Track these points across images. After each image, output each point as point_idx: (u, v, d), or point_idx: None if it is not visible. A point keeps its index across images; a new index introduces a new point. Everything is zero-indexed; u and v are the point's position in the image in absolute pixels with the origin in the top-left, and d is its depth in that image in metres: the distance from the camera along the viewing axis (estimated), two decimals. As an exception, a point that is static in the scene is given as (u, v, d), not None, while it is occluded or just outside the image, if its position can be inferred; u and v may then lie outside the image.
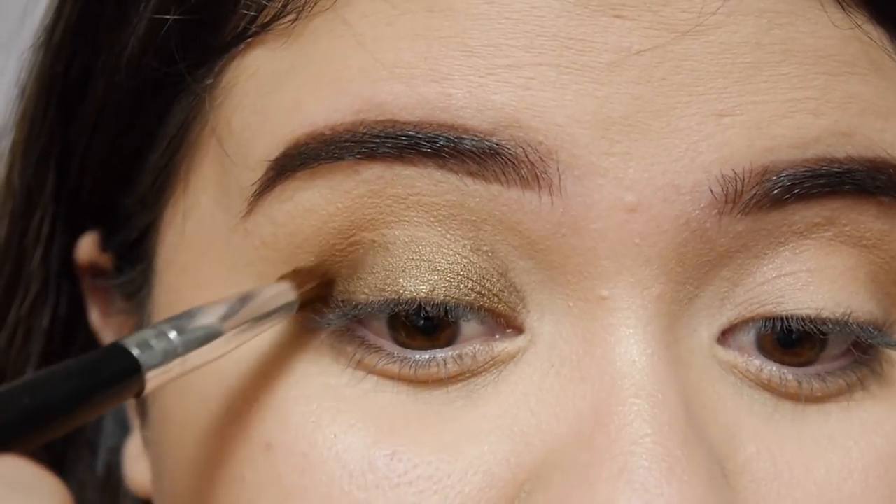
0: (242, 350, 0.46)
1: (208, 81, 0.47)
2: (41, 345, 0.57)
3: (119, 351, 0.40)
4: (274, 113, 0.45)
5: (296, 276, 0.45)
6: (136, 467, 0.55)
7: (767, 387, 0.45)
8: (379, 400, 0.44)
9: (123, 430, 0.59)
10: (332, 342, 0.45)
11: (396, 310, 0.44)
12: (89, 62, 0.51)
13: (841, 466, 0.45)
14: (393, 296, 0.44)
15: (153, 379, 0.41)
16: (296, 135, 0.44)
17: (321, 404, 0.44)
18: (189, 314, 0.43)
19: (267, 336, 0.46)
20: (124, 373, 0.40)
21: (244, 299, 0.44)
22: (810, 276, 0.45)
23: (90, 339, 0.58)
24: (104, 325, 0.57)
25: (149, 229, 0.51)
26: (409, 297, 0.44)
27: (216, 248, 0.47)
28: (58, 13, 0.53)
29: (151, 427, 0.51)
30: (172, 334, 0.42)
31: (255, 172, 0.45)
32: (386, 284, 0.44)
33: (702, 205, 0.43)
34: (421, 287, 0.44)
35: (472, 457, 0.43)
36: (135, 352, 0.41)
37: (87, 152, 0.53)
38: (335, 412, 0.44)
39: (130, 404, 0.56)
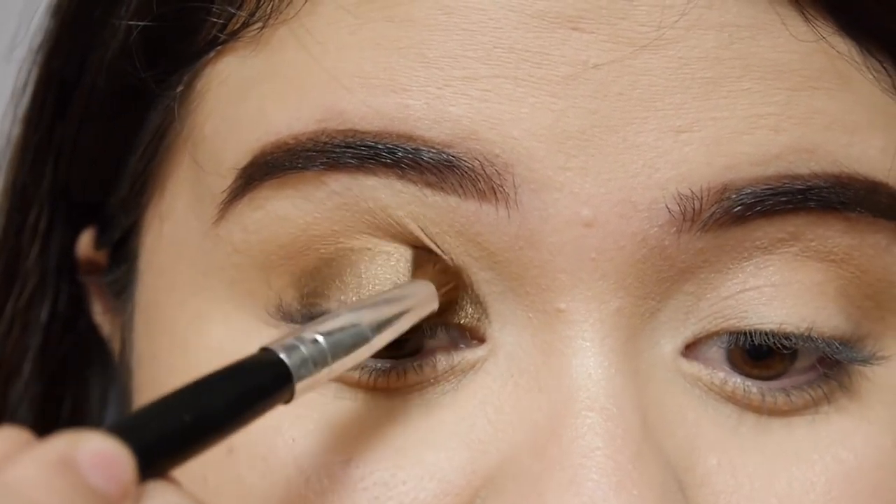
0: (209, 350, 0.46)
1: (180, 88, 0.48)
2: (39, 339, 0.58)
3: (271, 359, 0.40)
4: (242, 121, 0.46)
5: (435, 276, 0.45)
6: None
7: (732, 399, 0.45)
8: (338, 407, 0.45)
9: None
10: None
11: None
12: (81, 63, 0.52)
13: (804, 479, 0.45)
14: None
15: (302, 388, 0.41)
16: (261, 143, 0.45)
17: (282, 410, 0.44)
18: (336, 316, 0.43)
19: (230, 335, 0.46)
20: (277, 382, 0.40)
21: (389, 300, 0.44)
22: (775, 290, 0.45)
23: (90, 334, 0.58)
24: (105, 319, 0.58)
25: (132, 230, 0.52)
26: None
27: (190, 251, 0.48)
28: (56, 13, 0.54)
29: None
30: (321, 339, 0.41)
31: (225, 180, 0.46)
32: (349, 299, 0.44)
33: (659, 223, 0.43)
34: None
35: (428, 463, 0.44)
36: (285, 359, 0.40)
37: (73, 152, 0.54)
38: (294, 417, 0.45)
39: None
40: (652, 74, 0.43)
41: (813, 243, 0.45)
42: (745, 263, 0.45)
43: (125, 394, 0.54)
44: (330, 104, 0.44)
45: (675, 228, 0.43)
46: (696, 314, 0.45)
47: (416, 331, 0.44)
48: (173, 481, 0.37)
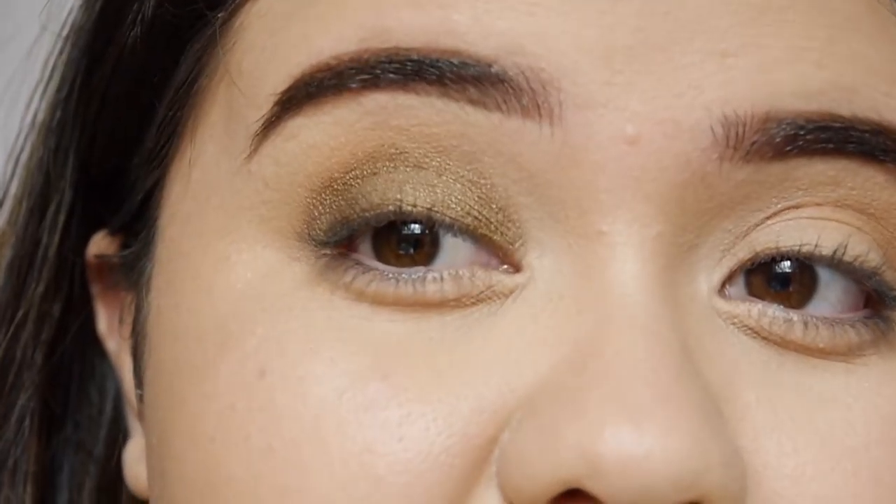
0: (235, 286, 0.46)
1: (221, 21, 0.48)
2: (51, 333, 0.57)
3: None
4: (282, 49, 0.46)
5: None
6: (138, 468, 0.54)
7: (769, 335, 0.44)
8: (374, 327, 0.44)
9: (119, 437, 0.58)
10: (325, 272, 0.45)
11: (394, 218, 0.44)
12: (116, 21, 0.52)
13: (843, 421, 0.44)
14: (392, 207, 0.44)
15: None
16: (302, 67, 0.45)
17: (320, 333, 0.44)
18: None
19: (260, 270, 0.46)
20: None
21: None
22: (810, 222, 0.45)
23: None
24: (110, 333, 0.57)
25: (154, 190, 0.51)
26: (407, 209, 0.44)
27: (219, 194, 0.47)
28: None
29: (146, 387, 0.50)
30: None
31: (260, 110, 0.46)
32: (384, 200, 0.44)
33: (703, 145, 0.43)
34: (421, 202, 0.44)
35: (463, 383, 0.43)
36: None
37: (99, 115, 0.54)
38: (333, 339, 0.44)
39: (130, 409, 0.55)
40: None
41: (854, 192, 0.45)
42: (785, 202, 0.44)
43: (136, 369, 0.52)
44: (373, 23, 0.44)
45: (717, 154, 0.43)
46: (733, 252, 0.44)
47: (436, 236, 0.44)
48: None
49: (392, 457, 0.42)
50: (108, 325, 0.57)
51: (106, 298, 0.57)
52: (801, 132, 0.43)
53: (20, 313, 0.56)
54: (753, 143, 0.43)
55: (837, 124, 0.44)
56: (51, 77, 0.56)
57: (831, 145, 0.44)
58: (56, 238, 0.56)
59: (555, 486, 0.41)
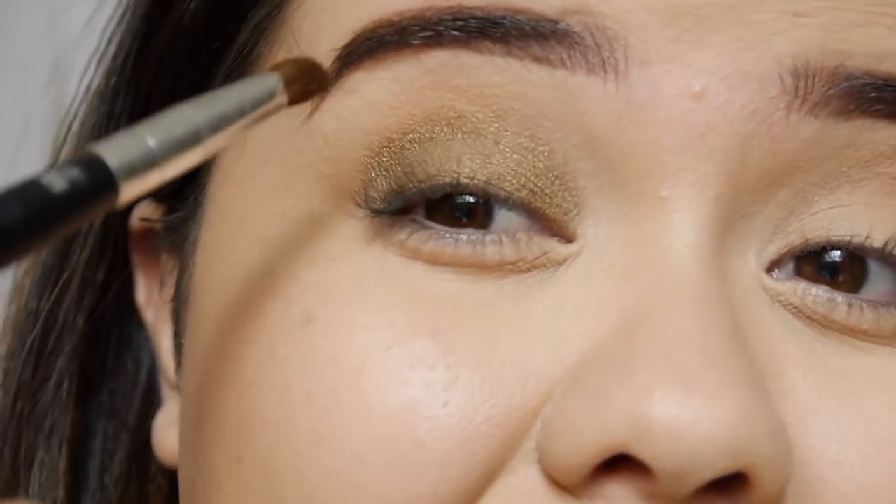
0: (288, 237, 0.45)
1: None
2: (94, 299, 0.57)
3: (90, 159, 0.36)
4: (344, 7, 0.46)
5: (285, 66, 0.43)
6: (168, 434, 0.54)
7: (812, 315, 0.44)
8: (428, 284, 0.44)
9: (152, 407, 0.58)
10: (381, 230, 0.44)
11: (450, 191, 0.44)
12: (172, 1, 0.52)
13: (888, 406, 0.43)
14: (448, 179, 0.44)
15: (128, 190, 0.37)
16: (364, 23, 0.45)
17: (371, 282, 0.44)
18: (162, 115, 0.39)
19: (315, 223, 0.45)
20: (95, 185, 0.36)
21: (224, 93, 0.41)
22: (866, 209, 0.44)
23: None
24: (148, 303, 0.57)
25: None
26: (465, 182, 0.43)
27: (277, 152, 0.47)
28: None
29: (186, 343, 0.50)
30: (150, 139, 0.37)
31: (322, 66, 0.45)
32: (440, 172, 0.44)
33: (771, 94, 0.43)
34: (479, 176, 0.43)
35: (511, 348, 0.42)
36: (110, 160, 0.36)
37: (154, 82, 0.54)
38: (384, 289, 0.43)
39: (165, 378, 0.55)
40: None
41: None
42: (843, 179, 0.44)
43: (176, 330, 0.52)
44: None
45: (785, 104, 0.43)
46: (785, 230, 0.44)
47: (490, 208, 0.44)
48: None
49: (436, 421, 0.42)
50: (147, 296, 0.57)
51: (147, 267, 0.57)
52: (869, 89, 0.43)
53: (64, 277, 0.56)
54: (823, 94, 0.43)
55: None
56: (108, 45, 0.56)
57: None
58: None
59: (601, 451, 0.40)
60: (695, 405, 0.39)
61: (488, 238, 0.43)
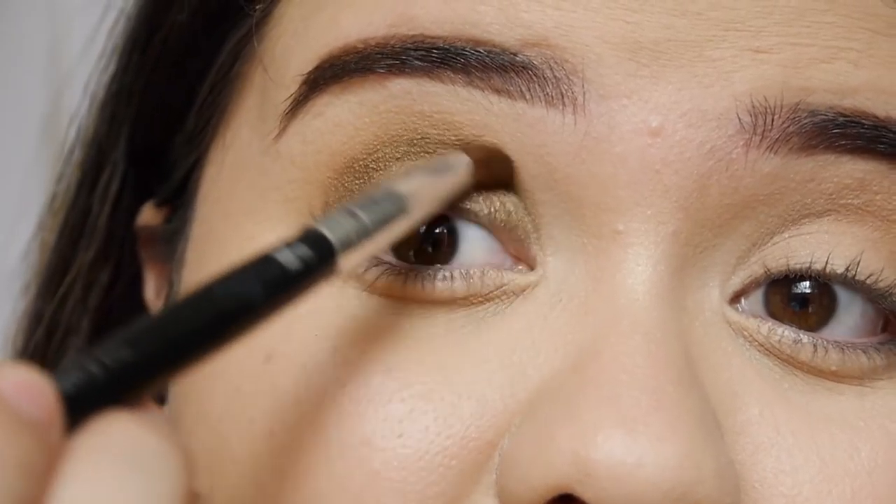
0: None
1: (260, 14, 0.48)
2: (99, 300, 0.58)
3: (314, 237, 0.39)
4: (311, 32, 0.46)
5: (474, 151, 0.44)
6: None
7: (779, 354, 0.44)
8: (382, 320, 0.44)
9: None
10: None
11: None
12: (163, 14, 0.53)
13: (849, 444, 0.43)
14: None
15: (347, 260, 0.40)
16: (329, 48, 0.45)
17: (328, 320, 0.44)
18: (374, 192, 0.42)
19: None
20: (321, 263, 0.39)
21: (428, 170, 0.43)
22: (828, 237, 0.44)
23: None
24: (157, 300, 0.57)
25: (194, 168, 0.52)
26: None
27: (248, 174, 0.48)
28: None
29: None
30: (362, 214, 0.40)
31: (288, 90, 0.46)
32: None
33: (729, 133, 0.42)
34: None
35: (467, 382, 0.43)
36: (327, 234, 0.39)
37: (146, 94, 0.55)
38: (339, 328, 0.44)
39: None
40: None
41: (878, 196, 0.44)
42: (806, 211, 0.44)
43: None
44: (402, 10, 0.44)
45: (743, 141, 0.42)
46: (747, 261, 0.44)
47: (454, 232, 0.44)
48: (144, 408, 0.35)
49: (390, 452, 0.42)
50: (156, 293, 0.57)
51: (155, 265, 0.57)
52: (832, 125, 0.43)
53: (69, 278, 0.58)
54: (782, 131, 0.42)
55: (870, 122, 0.43)
56: (113, 49, 0.57)
57: (861, 143, 0.43)
58: (107, 207, 0.57)
59: (547, 490, 0.40)
60: (639, 448, 0.39)
61: (439, 274, 0.44)
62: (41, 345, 0.58)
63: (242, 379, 0.45)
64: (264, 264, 0.38)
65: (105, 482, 0.32)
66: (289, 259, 0.38)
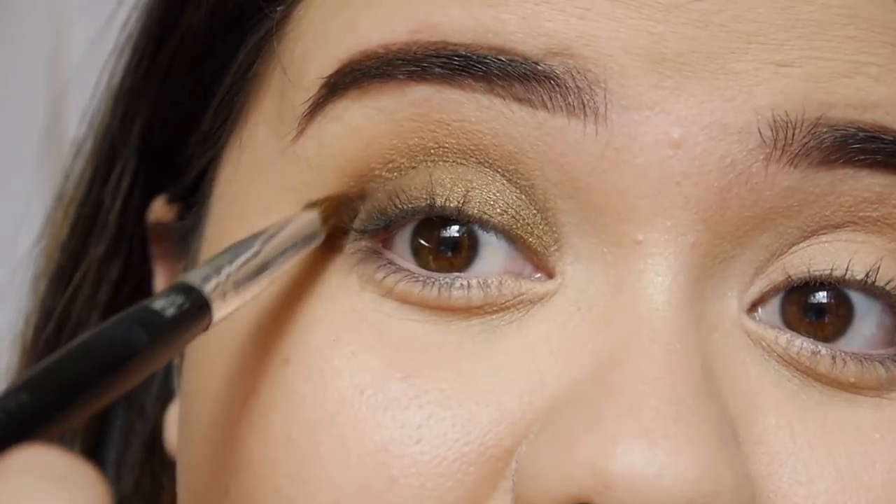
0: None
1: (279, 15, 0.48)
2: (108, 296, 0.58)
3: (185, 287, 0.41)
4: (332, 35, 0.46)
5: (321, 203, 0.45)
6: (174, 430, 0.55)
7: (797, 364, 0.44)
8: (399, 325, 0.44)
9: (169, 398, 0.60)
10: (358, 266, 0.45)
11: (430, 214, 0.44)
12: (180, 12, 0.53)
13: (864, 455, 0.43)
14: (425, 202, 0.44)
15: (218, 313, 0.41)
16: (350, 53, 0.45)
17: (343, 324, 0.44)
18: (231, 249, 0.43)
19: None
20: (195, 309, 0.40)
21: (275, 231, 0.44)
22: (846, 245, 0.44)
23: None
24: None
25: (208, 168, 0.52)
26: (441, 203, 0.44)
27: (264, 175, 0.48)
28: None
29: (184, 359, 0.51)
30: (226, 269, 0.42)
31: (308, 92, 0.46)
32: (421, 194, 0.44)
33: (749, 146, 0.42)
34: (455, 196, 0.44)
35: (484, 389, 0.43)
36: (202, 286, 0.41)
37: (162, 91, 0.55)
38: (355, 332, 0.44)
39: (177, 372, 0.56)
40: (757, 10, 0.43)
41: None
42: (825, 222, 0.44)
43: None
44: (424, 16, 0.44)
45: (763, 156, 0.42)
46: (766, 271, 0.44)
47: (474, 238, 0.44)
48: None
49: (408, 458, 0.42)
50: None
51: (165, 260, 0.57)
52: (852, 140, 0.43)
53: (79, 274, 0.58)
54: (803, 146, 0.43)
55: (890, 137, 0.43)
56: (126, 45, 0.57)
57: (881, 157, 0.43)
58: (118, 202, 0.57)
59: (566, 500, 0.41)
60: (658, 460, 0.39)
61: (457, 283, 0.44)
62: (51, 339, 0.58)
63: (260, 383, 0.45)
64: (142, 312, 0.39)
65: (30, 496, 0.32)
66: (163, 305, 0.40)
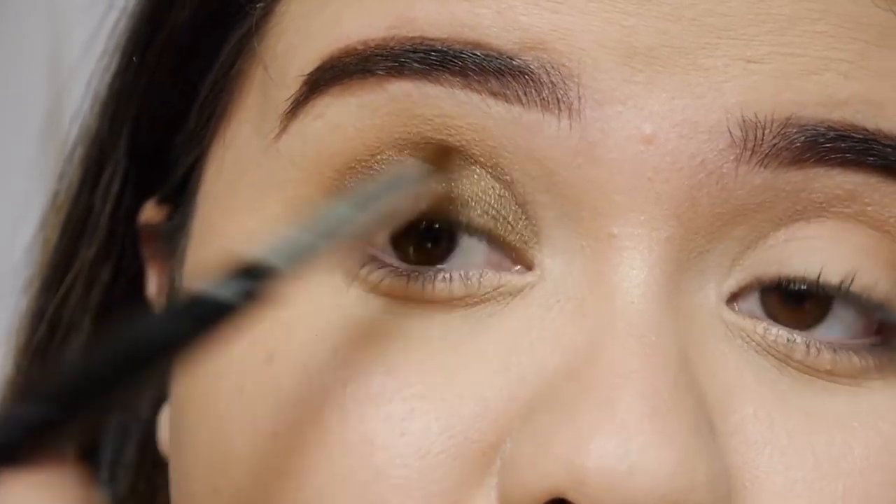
0: None
1: (260, 12, 0.49)
2: (100, 297, 0.58)
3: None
4: (313, 32, 0.46)
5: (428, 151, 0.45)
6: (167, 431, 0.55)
7: (774, 352, 0.44)
8: (382, 321, 0.44)
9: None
10: (342, 262, 0.45)
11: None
12: (165, 12, 0.53)
13: (842, 443, 0.43)
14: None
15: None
16: (330, 49, 0.45)
17: (328, 321, 0.45)
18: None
19: None
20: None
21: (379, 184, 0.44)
22: (822, 242, 0.44)
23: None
24: (158, 296, 0.58)
25: (195, 166, 0.52)
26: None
27: (249, 173, 0.48)
28: None
29: None
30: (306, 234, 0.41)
31: (289, 90, 0.46)
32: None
33: (720, 146, 0.43)
34: (441, 203, 0.44)
35: (467, 383, 0.43)
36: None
37: (148, 92, 0.55)
38: (340, 329, 0.44)
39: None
40: (728, 4, 0.43)
41: (869, 208, 0.44)
42: (799, 217, 0.44)
43: None
44: (401, 11, 0.44)
45: (734, 156, 0.43)
46: (742, 263, 0.44)
47: (454, 241, 0.44)
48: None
49: (393, 450, 0.42)
50: (158, 289, 0.58)
51: (157, 261, 0.58)
52: (822, 139, 0.43)
53: (70, 275, 0.58)
54: (772, 146, 0.43)
55: (859, 135, 0.43)
56: (115, 48, 0.57)
57: (851, 156, 0.43)
58: (109, 205, 0.57)
59: (542, 495, 0.41)
60: (632, 456, 0.40)
61: (439, 276, 0.44)
62: (43, 342, 0.59)
63: (245, 379, 0.45)
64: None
65: None
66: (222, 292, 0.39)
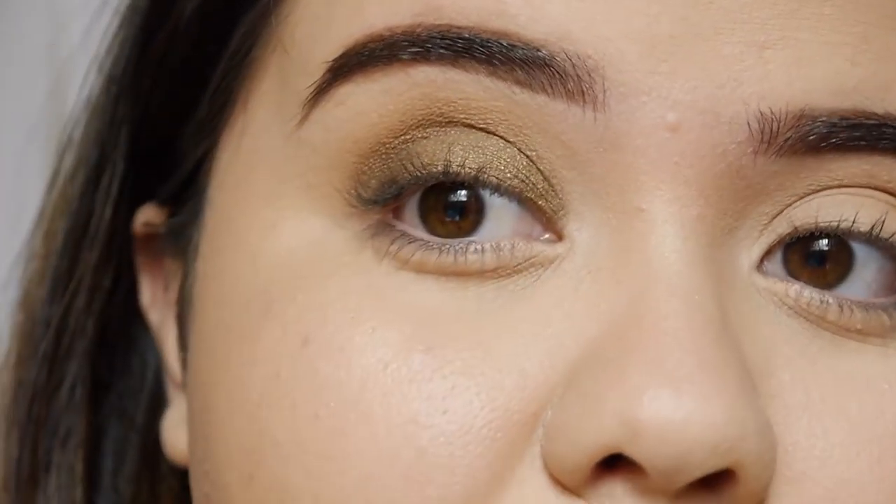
0: (279, 253, 0.47)
1: None
2: (102, 303, 0.58)
3: None
4: (336, 19, 0.46)
5: None
6: (177, 434, 0.55)
7: (806, 315, 0.45)
8: (417, 297, 0.45)
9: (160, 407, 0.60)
10: (372, 240, 0.46)
11: (443, 178, 0.45)
12: (168, 8, 0.53)
13: (874, 406, 0.44)
14: (440, 167, 0.45)
15: None
16: (355, 37, 0.46)
17: (360, 301, 0.45)
18: None
19: (305, 237, 0.46)
20: None
21: None
22: (850, 198, 0.45)
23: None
24: (153, 305, 0.58)
25: (204, 159, 0.52)
26: (456, 169, 0.45)
27: (269, 160, 0.48)
28: None
29: (190, 353, 0.51)
30: None
31: (312, 77, 0.47)
32: (435, 160, 0.45)
33: (739, 139, 0.44)
34: (470, 163, 0.45)
35: (506, 355, 0.44)
36: None
37: (154, 84, 0.55)
38: (373, 308, 0.45)
39: (170, 379, 0.57)
40: None
41: (890, 184, 0.45)
42: (820, 189, 0.45)
43: (181, 335, 0.54)
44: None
45: (751, 149, 0.44)
46: (771, 228, 0.45)
47: (481, 202, 0.45)
48: None
49: (436, 429, 0.43)
50: (152, 298, 0.58)
51: (150, 269, 0.58)
52: (835, 130, 0.44)
53: (73, 283, 0.58)
54: (787, 139, 0.44)
55: (870, 121, 0.44)
56: (106, 54, 0.57)
57: (864, 142, 0.44)
58: (109, 209, 0.57)
59: (597, 451, 0.42)
60: (684, 407, 0.41)
61: (471, 247, 0.45)
62: (50, 350, 0.58)
63: (280, 365, 0.45)
64: None
65: None
66: None
